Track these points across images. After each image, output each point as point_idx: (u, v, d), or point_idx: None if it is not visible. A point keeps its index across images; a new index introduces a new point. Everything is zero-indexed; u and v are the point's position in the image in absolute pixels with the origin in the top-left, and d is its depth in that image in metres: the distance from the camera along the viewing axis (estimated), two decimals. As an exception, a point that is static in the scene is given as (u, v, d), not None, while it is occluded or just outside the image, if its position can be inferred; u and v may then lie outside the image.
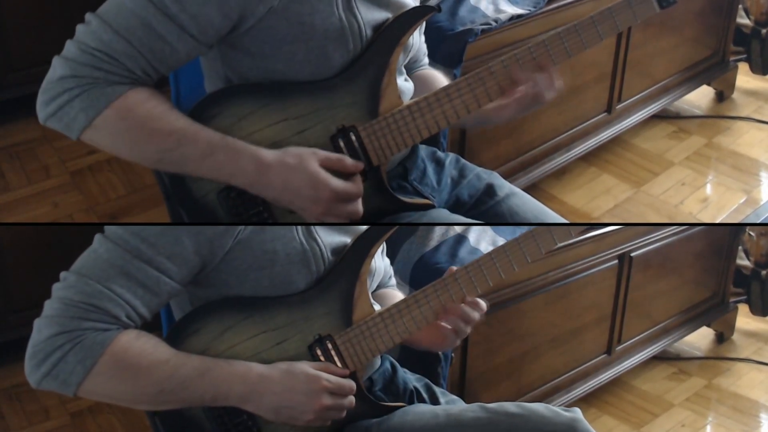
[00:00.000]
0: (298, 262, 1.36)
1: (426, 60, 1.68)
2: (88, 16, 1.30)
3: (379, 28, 1.42)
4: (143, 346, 1.28)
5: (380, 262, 1.53)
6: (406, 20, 1.42)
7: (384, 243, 1.58)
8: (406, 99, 1.50)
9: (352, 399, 1.38)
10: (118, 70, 1.29)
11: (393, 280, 1.66)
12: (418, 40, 1.56)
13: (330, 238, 1.41)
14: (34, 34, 2.63)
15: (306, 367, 1.35)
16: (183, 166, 1.33)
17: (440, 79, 1.64)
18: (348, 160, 1.39)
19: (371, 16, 1.42)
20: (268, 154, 1.35)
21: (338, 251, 1.41)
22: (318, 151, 1.37)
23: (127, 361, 1.27)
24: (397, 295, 1.59)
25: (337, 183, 1.37)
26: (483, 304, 1.45)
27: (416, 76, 1.62)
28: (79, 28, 1.30)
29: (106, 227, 1.31)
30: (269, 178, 1.34)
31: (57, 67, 1.29)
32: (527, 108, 1.49)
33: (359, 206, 1.40)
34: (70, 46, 1.30)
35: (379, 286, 1.60)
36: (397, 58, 1.42)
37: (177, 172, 1.36)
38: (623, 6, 1.43)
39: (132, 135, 1.30)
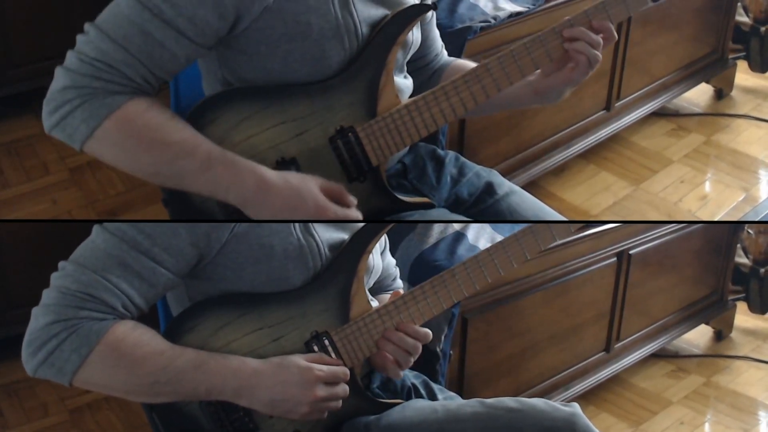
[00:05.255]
0: (295, 257, 1.36)
1: (445, 52, 1.67)
2: (86, 26, 1.30)
3: (376, 26, 1.42)
4: (139, 337, 1.29)
5: (378, 260, 1.52)
6: (403, 19, 1.42)
7: (386, 242, 1.58)
8: (405, 97, 1.49)
9: (346, 388, 1.37)
10: (118, 79, 1.28)
11: (398, 283, 1.66)
12: (419, 36, 1.56)
13: (327, 234, 1.41)
14: (34, 31, 2.63)
15: (298, 359, 1.35)
16: (181, 180, 1.32)
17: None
18: (347, 195, 1.39)
19: (368, 13, 1.42)
20: (271, 173, 1.34)
21: (335, 248, 1.41)
22: (318, 178, 1.37)
23: (122, 350, 1.27)
24: None
25: (337, 210, 1.36)
26: (424, 332, 1.43)
27: (451, 68, 1.62)
28: (79, 39, 1.30)
29: None
30: (269, 196, 1.33)
31: (59, 78, 1.29)
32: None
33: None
34: (70, 57, 1.29)
35: (381, 287, 1.61)
36: (395, 57, 1.42)
37: (175, 186, 1.34)
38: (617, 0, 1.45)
39: (131, 146, 1.29)
